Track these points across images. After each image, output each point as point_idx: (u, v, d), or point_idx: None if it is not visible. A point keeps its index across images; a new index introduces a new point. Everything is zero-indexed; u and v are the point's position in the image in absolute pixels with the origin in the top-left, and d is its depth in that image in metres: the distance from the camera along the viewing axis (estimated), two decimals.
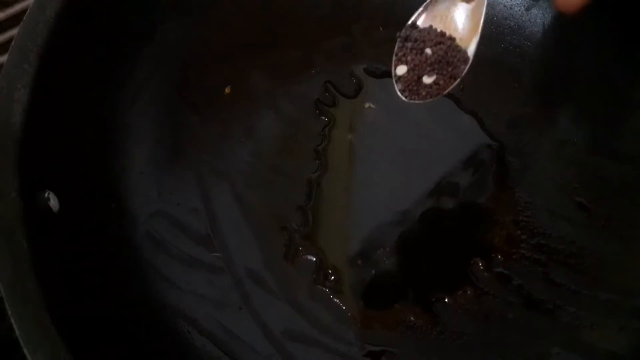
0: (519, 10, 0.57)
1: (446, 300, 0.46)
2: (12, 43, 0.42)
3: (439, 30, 0.41)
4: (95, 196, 0.44)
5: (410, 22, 0.41)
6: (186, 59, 0.55)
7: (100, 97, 0.48)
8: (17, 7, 0.62)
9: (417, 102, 0.41)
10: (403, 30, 0.41)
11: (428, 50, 0.40)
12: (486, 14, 0.57)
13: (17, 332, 0.32)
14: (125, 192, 0.47)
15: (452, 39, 0.41)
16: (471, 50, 0.40)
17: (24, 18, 0.43)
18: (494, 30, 0.57)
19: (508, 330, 0.45)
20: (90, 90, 0.46)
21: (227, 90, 0.55)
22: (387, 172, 0.52)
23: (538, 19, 0.57)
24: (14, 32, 0.61)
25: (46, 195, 0.38)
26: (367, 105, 0.55)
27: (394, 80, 0.41)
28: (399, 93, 0.41)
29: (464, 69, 0.41)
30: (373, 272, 0.47)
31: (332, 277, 0.47)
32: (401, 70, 0.41)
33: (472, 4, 0.41)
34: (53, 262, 0.35)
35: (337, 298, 0.46)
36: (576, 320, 0.45)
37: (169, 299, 0.44)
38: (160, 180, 0.50)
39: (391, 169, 0.52)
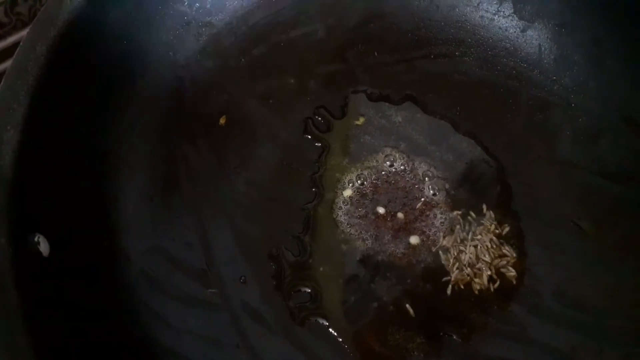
0: (515, 32, 0.57)
1: (452, 334, 0.45)
2: (2, 82, 0.42)
3: None
4: (87, 235, 0.44)
5: None
6: (180, 90, 0.54)
7: (93, 132, 0.47)
8: (10, 40, 0.62)
9: None
10: None
11: None
12: (482, 36, 0.57)
13: None
14: (118, 229, 0.47)
15: None
16: None
17: (14, 56, 0.43)
18: (490, 52, 0.57)
19: None
20: (82, 127, 0.46)
21: (222, 120, 0.54)
22: (384, 197, 0.51)
23: (534, 40, 0.56)
24: (6, 65, 0.61)
25: (36, 239, 0.37)
26: (357, 122, 0.54)
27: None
28: None
29: None
30: (375, 304, 0.46)
31: (330, 310, 0.46)
32: None
33: None
34: (44, 310, 0.35)
35: (335, 331, 0.45)
36: (583, 349, 0.44)
37: (165, 340, 0.43)
38: (154, 215, 0.49)
39: (388, 193, 0.51)
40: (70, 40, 0.45)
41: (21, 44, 0.44)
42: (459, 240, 0.49)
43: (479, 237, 0.49)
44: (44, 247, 0.37)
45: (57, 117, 0.43)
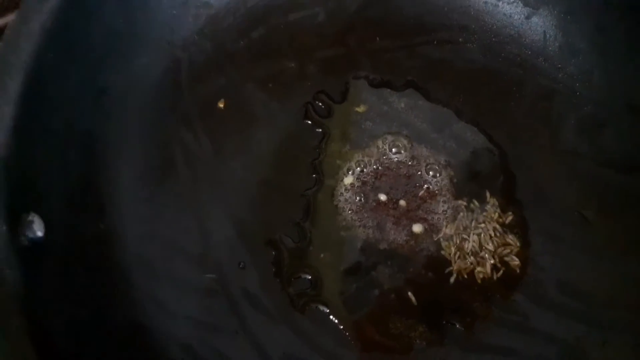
0: (519, 18, 0.56)
1: (454, 323, 0.45)
2: None
3: None
4: (82, 218, 0.42)
5: None
6: (177, 72, 0.53)
7: (88, 113, 0.46)
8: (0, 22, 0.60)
9: None
10: None
11: None
12: (486, 22, 0.56)
13: None
14: (115, 213, 0.45)
15: None
16: None
17: (6, 31, 0.41)
18: (494, 39, 0.56)
19: (516, 355, 0.44)
20: (76, 107, 0.44)
21: (220, 104, 0.53)
22: (386, 184, 0.50)
23: (539, 27, 0.55)
24: None
25: (30, 218, 0.36)
26: (358, 109, 0.53)
27: None
28: None
29: None
30: (377, 292, 0.45)
31: (331, 297, 0.45)
32: None
33: None
34: (38, 294, 0.33)
35: (336, 319, 0.44)
36: (587, 340, 0.44)
37: (161, 325, 0.42)
38: (150, 199, 0.48)
39: (390, 181, 0.50)
40: (65, 17, 0.44)
41: (13, 18, 0.42)
42: (462, 228, 0.48)
43: (483, 225, 0.48)
44: (38, 226, 0.36)
45: (50, 96, 0.42)
